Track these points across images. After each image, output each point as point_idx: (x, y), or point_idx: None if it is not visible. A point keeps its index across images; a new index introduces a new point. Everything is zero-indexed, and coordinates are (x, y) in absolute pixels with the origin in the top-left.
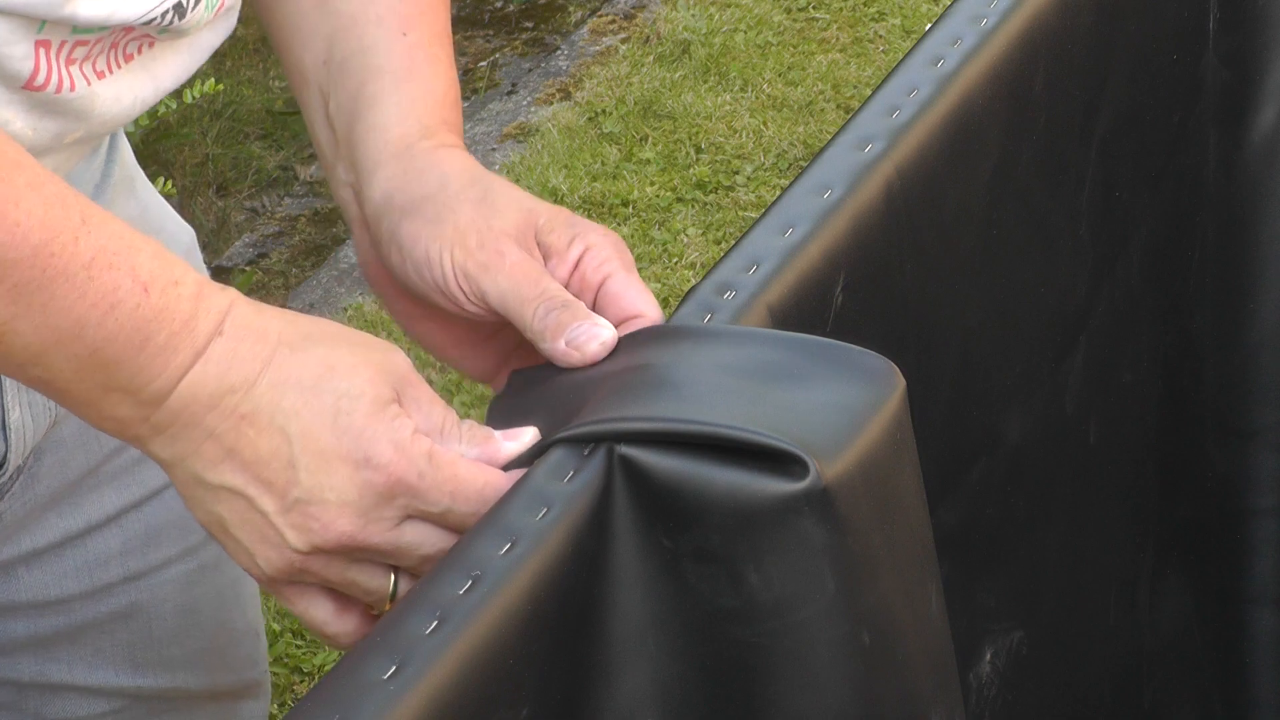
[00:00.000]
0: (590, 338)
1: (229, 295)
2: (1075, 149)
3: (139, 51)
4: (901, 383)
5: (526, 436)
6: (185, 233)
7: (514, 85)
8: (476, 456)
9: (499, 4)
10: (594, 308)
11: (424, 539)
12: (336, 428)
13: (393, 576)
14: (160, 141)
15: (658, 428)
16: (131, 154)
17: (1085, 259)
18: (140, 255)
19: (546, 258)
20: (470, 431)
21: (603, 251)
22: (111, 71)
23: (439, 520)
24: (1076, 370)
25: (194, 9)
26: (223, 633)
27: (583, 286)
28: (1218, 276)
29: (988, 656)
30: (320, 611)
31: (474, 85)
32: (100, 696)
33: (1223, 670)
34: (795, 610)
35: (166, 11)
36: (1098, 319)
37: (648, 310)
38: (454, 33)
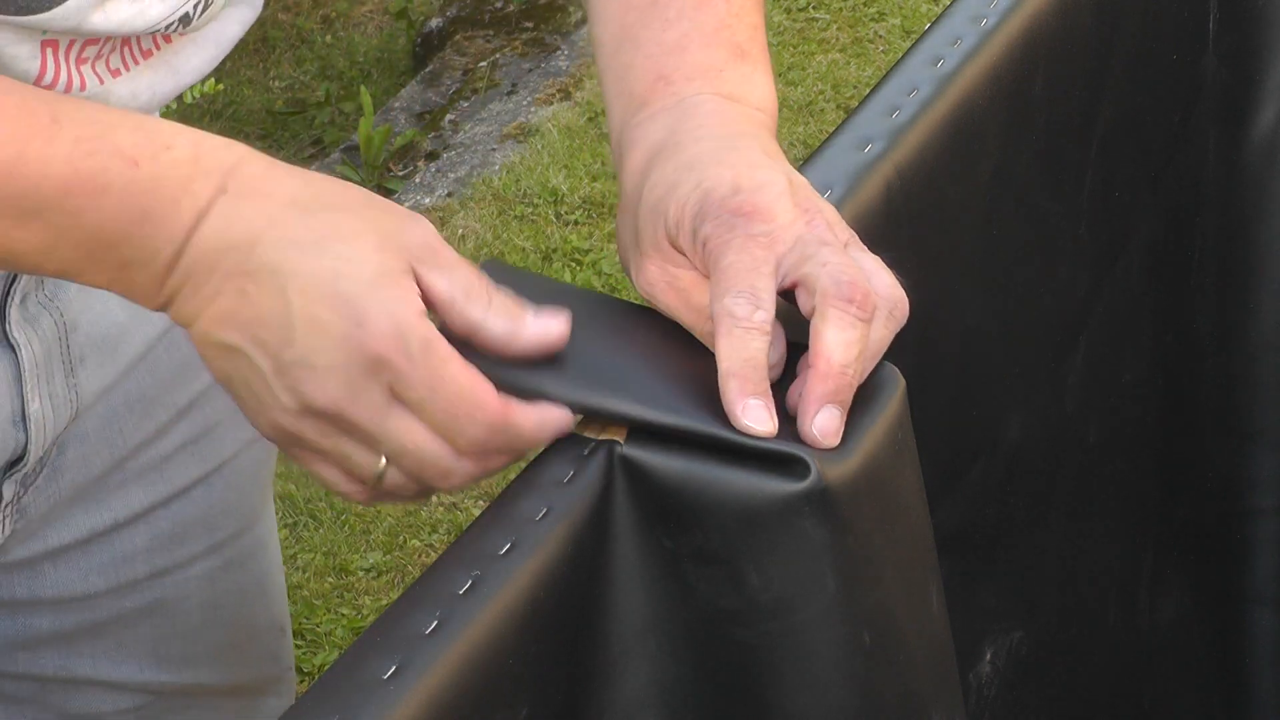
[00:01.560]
0: (753, 421)
1: (236, 152)
2: (1075, 149)
3: (156, 47)
4: (902, 384)
5: (556, 327)
6: None
7: (514, 85)
8: (503, 328)
9: (499, 4)
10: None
11: (409, 431)
12: (335, 292)
13: (383, 461)
14: None
15: (667, 422)
16: None
17: (1085, 259)
18: (120, 131)
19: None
20: (500, 301)
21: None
22: (127, 69)
23: (419, 411)
24: (1076, 370)
25: (200, 15)
26: (245, 628)
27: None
28: (1218, 276)
29: (988, 656)
30: (326, 473)
31: (474, 85)
32: (123, 691)
33: (1223, 670)
34: (796, 610)
35: (173, 24)
36: (1098, 319)
37: (823, 360)
38: (454, 33)
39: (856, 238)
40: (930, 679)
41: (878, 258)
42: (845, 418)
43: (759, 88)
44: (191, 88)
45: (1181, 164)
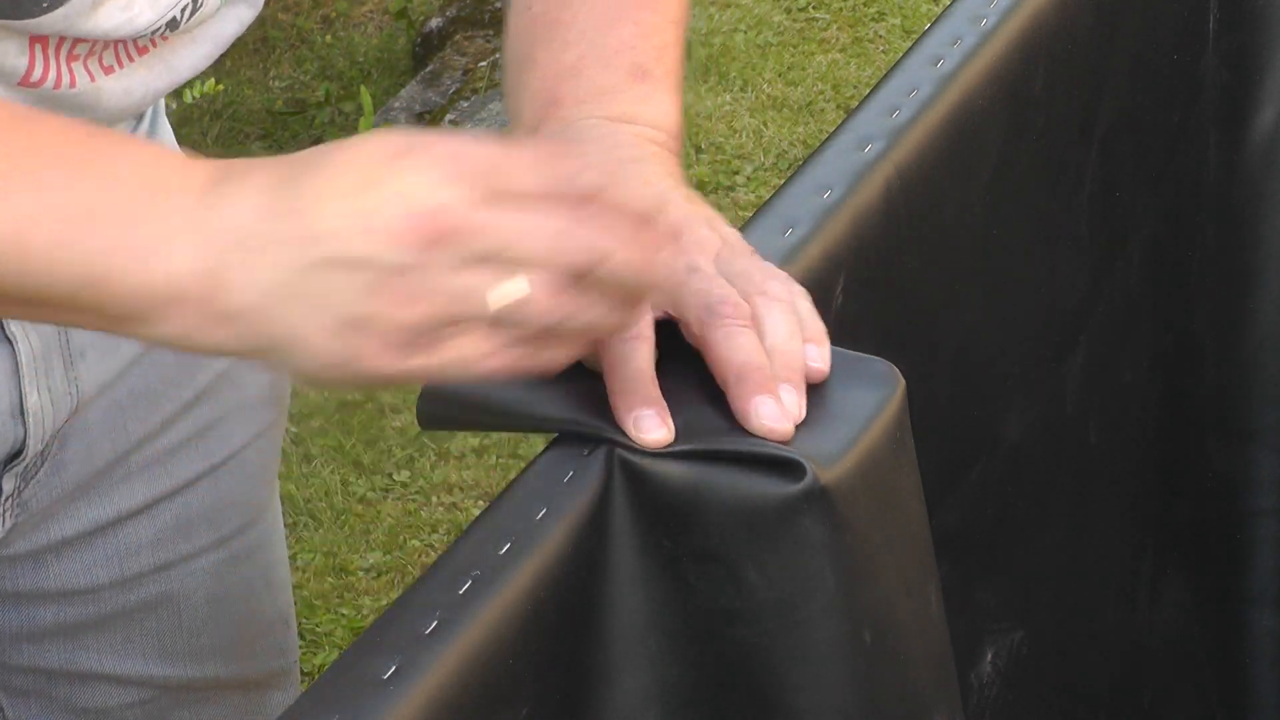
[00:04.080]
0: (645, 432)
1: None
2: (1075, 149)
3: (153, 44)
4: (901, 383)
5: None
6: None
7: None
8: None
9: (499, 4)
10: None
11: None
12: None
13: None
14: None
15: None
16: (171, 137)
17: (1085, 259)
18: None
19: None
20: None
21: None
22: (122, 66)
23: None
24: (1076, 370)
25: (188, 19)
26: (252, 622)
27: None
28: (1218, 276)
29: (988, 656)
30: (465, 348)
31: (474, 85)
32: (129, 685)
33: (1223, 670)
34: (796, 609)
35: (159, 29)
36: (1098, 319)
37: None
38: (454, 33)
39: (737, 243)
40: (930, 678)
41: (767, 264)
42: (784, 401)
43: (656, 106)
44: (192, 88)
45: (1181, 164)
